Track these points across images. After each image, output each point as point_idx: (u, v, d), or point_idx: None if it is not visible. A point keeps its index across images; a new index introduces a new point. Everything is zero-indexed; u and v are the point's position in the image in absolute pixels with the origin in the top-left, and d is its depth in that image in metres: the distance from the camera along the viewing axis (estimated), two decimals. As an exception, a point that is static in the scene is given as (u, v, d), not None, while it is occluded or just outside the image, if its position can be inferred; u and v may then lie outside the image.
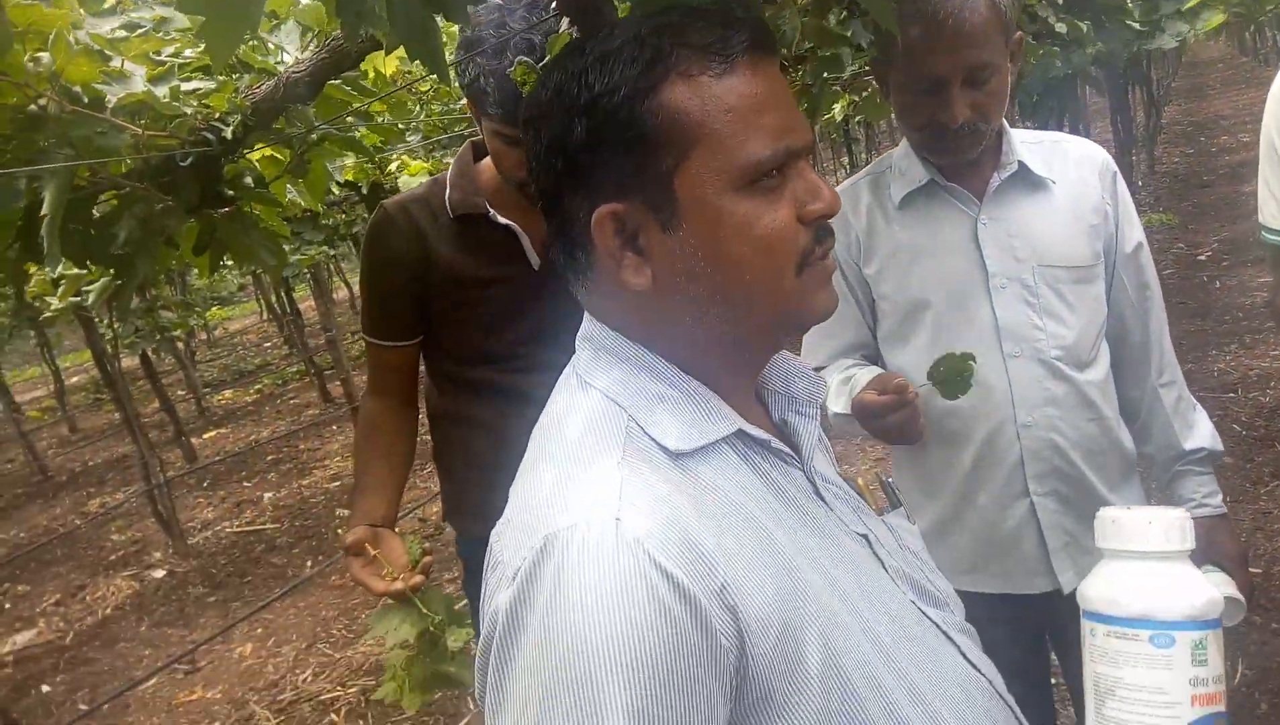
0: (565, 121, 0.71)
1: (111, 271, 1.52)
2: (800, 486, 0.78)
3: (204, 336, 16.72)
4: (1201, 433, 1.54)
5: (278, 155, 1.70)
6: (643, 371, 0.75)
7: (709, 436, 0.73)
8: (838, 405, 1.48)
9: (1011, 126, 1.53)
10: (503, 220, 1.57)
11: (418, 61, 1.02)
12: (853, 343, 1.58)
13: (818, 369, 1.62)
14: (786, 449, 0.79)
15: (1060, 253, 1.45)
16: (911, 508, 1.60)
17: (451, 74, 1.45)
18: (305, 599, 4.61)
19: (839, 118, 6.00)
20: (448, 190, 1.59)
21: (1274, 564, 3.06)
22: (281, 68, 1.31)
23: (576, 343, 0.79)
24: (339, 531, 5.53)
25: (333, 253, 6.76)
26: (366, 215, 6.27)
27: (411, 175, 2.97)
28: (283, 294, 10.09)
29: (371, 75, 1.82)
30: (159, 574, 5.44)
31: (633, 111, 0.69)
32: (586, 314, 0.80)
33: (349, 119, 1.55)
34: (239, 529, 5.98)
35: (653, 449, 0.70)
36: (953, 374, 1.32)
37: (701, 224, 0.71)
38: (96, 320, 5.43)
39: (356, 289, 15.54)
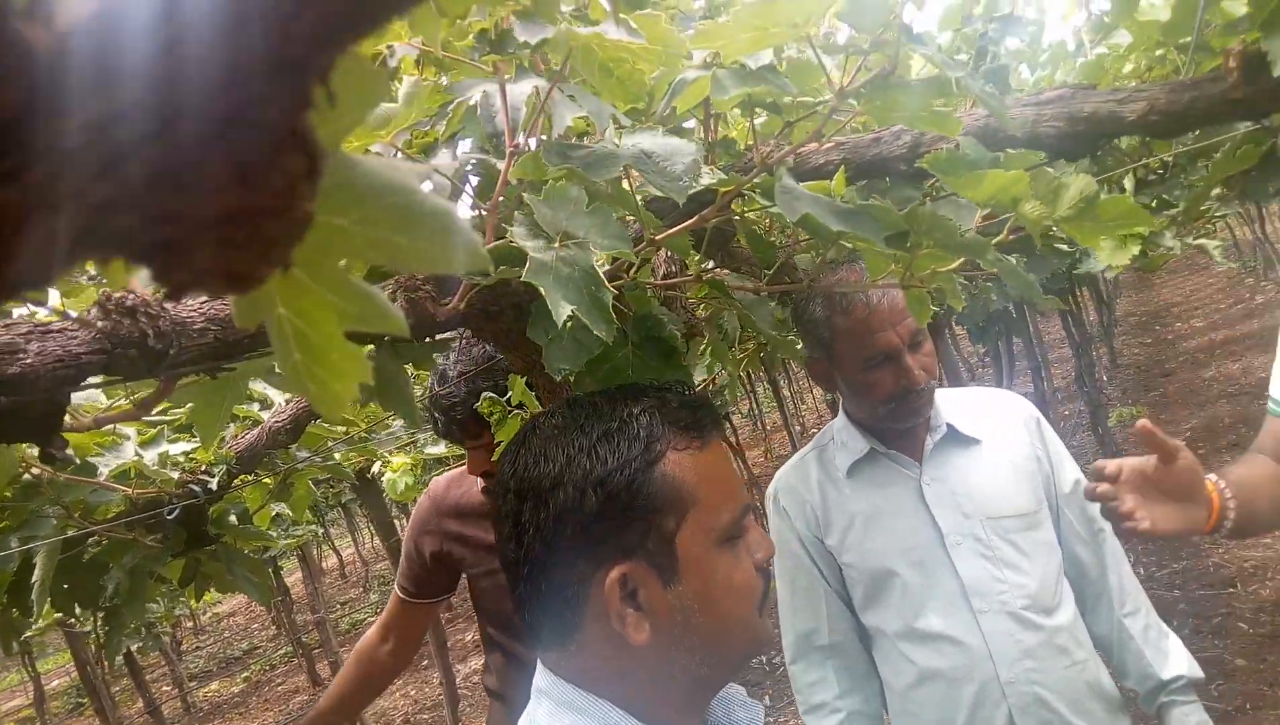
0: (578, 493, 0.78)
1: (100, 616, 1.54)
2: None
3: (190, 623, 16.26)
4: (1176, 660, 1.55)
5: (263, 480, 1.78)
6: None
7: None
8: None
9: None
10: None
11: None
12: (827, 615, 1.61)
13: (793, 662, 1.65)
14: None
15: (1005, 503, 1.52)
16: None
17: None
18: None
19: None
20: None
21: (1311, 776, 2.93)
22: (266, 415, 1.41)
23: (533, 693, 0.83)
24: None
25: (320, 530, 6.75)
26: (351, 486, 6.33)
27: (394, 471, 3.07)
28: (269, 573, 9.92)
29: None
30: None
31: (644, 482, 0.78)
32: (541, 667, 0.83)
33: (329, 443, 1.64)
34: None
35: None
36: None
37: (698, 578, 0.80)
38: (79, 625, 5.31)
39: (346, 555, 15.35)
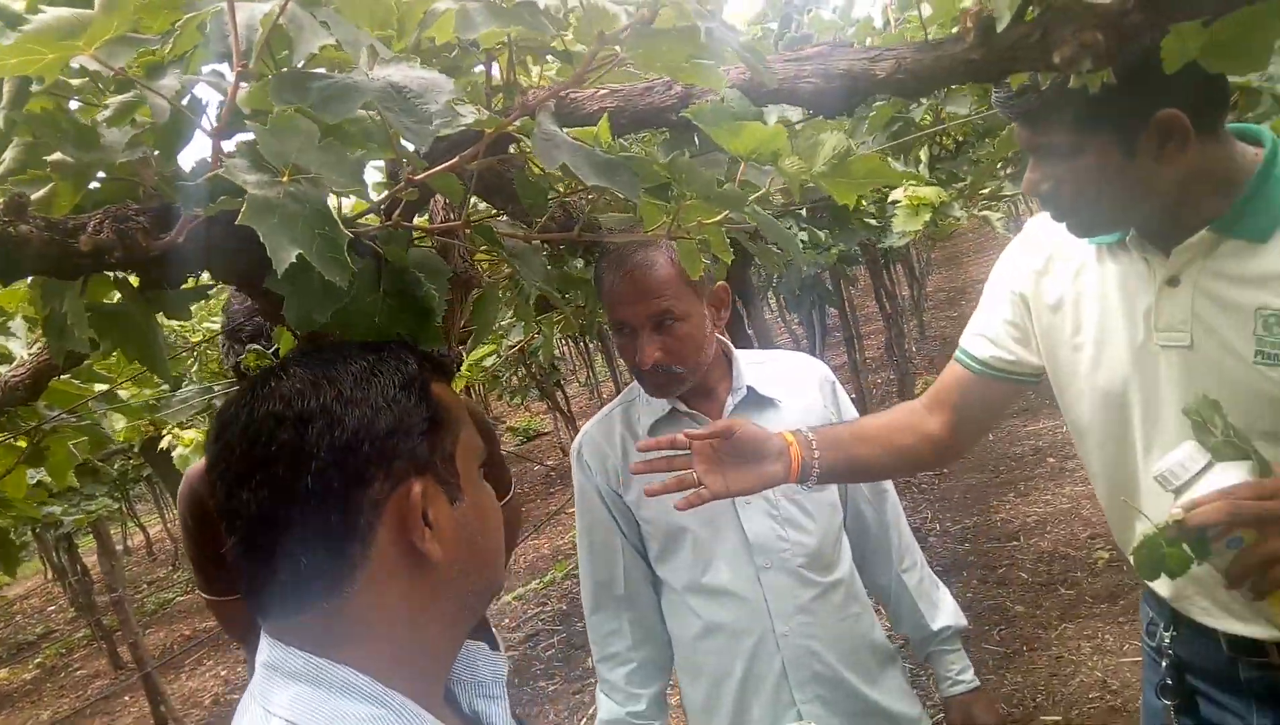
0: (372, 409, 0.76)
1: None
2: None
3: (-24, 607, 14.90)
4: (945, 611, 1.67)
5: (14, 444, 1.62)
6: (347, 695, 0.72)
7: None
8: None
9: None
10: None
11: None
12: (623, 567, 1.63)
13: (591, 612, 1.67)
14: None
15: None
16: None
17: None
18: None
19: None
20: None
21: (1071, 709, 3.23)
22: (4, 370, 1.28)
23: (260, 671, 0.76)
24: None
25: (115, 506, 6.29)
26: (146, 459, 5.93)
27: (186, 446, 2.87)
28: (60, 554, 9.22)
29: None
30: None
31: (427, 395, 0.80)
32: (269, 640, 0.77)
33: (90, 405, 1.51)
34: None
35: None
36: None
37: (473, 497, 0.82)
38: None
39: (154, 533, 14.44)
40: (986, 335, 1.45)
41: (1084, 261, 1.35)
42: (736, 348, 1.67)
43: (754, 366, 1.65)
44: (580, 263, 1.77)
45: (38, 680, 9.21)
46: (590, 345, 9.62)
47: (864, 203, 4.28)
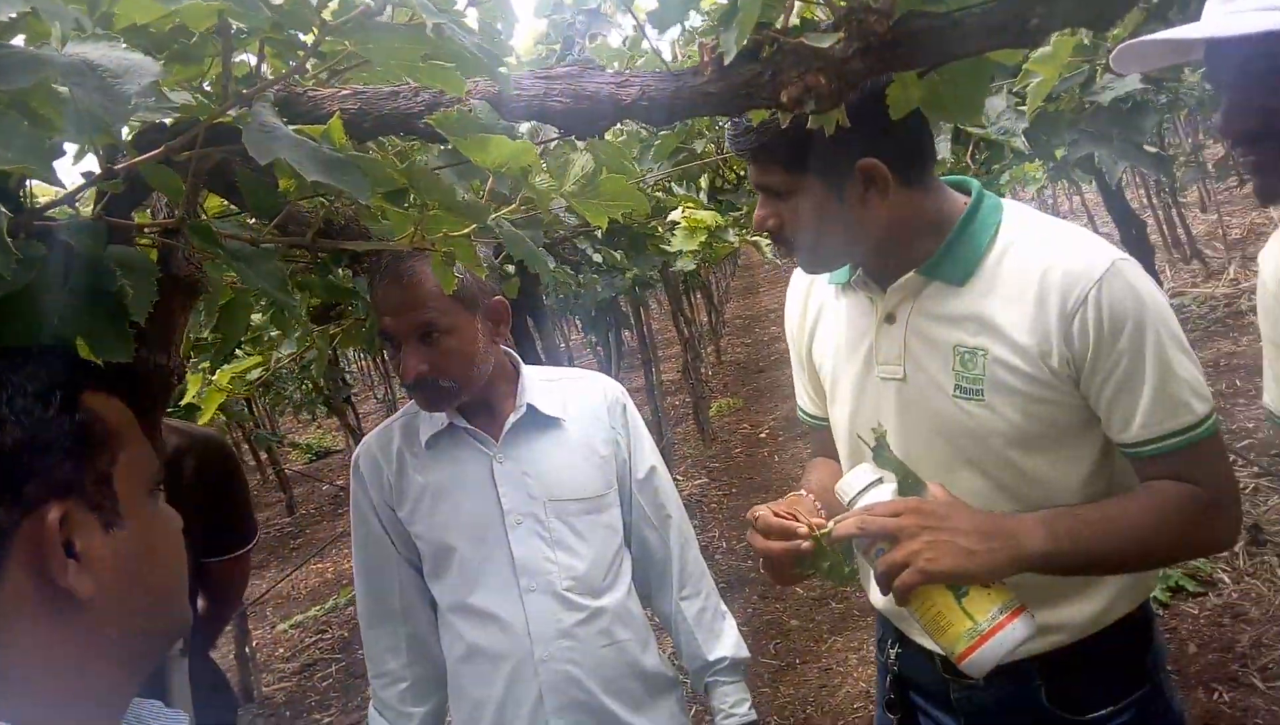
0: None
1: None
2: None
3: None
4: (726, 642, 1.67)
5: None
6: None
7: None
8: None
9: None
10: None
11: None
12: (398, 584, 1.57)
13: (367, 628, 1.59)
14: None
15: (571, 486, 1.56)
16: None
17: None
18: None
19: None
20: None
21: (838, 718, 3.39)
22: None
23: None
24: None
25: None
26: None
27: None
28: None
29: None
30: None
31: (74, 408, 0.70)
32: None
33: None
34: None
35: None
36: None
37: (139, 525, 0.72)
38: None
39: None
40: (804, 394, 1.53)
41: (824, 301, 1.43)
42: (528, 365, 1.64)
43: (543, 384, 1.62)
44: (348, 273, 1.69)
45: None
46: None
47: (660, 229, 4.40)
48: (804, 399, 1.55)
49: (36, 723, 0.64)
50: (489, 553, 1.52)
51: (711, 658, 1.65)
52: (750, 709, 1.66)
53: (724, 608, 1.73)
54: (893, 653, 1.46)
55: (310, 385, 6.47)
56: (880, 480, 1.19)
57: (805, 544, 1.16)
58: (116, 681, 0.71)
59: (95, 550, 0.68)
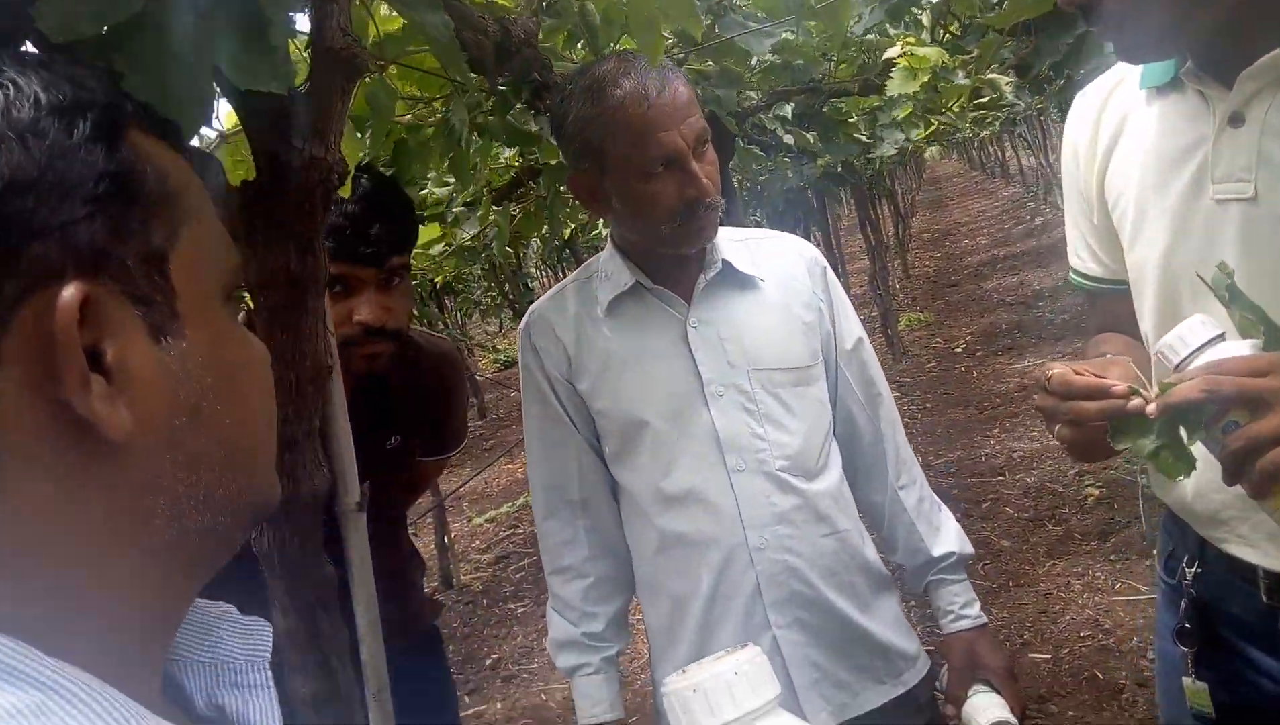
0: None
1: None
2: None
3: None
4: (948, 536, 1.43)
5: None
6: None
7: None
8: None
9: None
10: None
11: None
12: (578, 469, 1.39)
13: (544, 518, 1.43)
14: None
15: (775, 354, 1.34)
16: (658, 656, 1.41)
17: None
18: None
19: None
20: None
21: (1061, 648, 3.05)
22: None
23: None
24: None
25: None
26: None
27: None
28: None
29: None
30: None
31: (110, 141, 0.44)
32: None
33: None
34: None
35: None
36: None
37: (206, 335, 0.47)
38: None
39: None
40: (1085, 247, 1.21)
41: (1127, 113, 1.10)
42: None
43: (734, 243, 1.39)
44: (527, 112, 1.48)
45: None
46: (565, 269, 9.30)
47: (853, 116, 4.03)
48: (1084, 255, 1.21)
49: (42, 638, 0.40)
50: (687, 428, 1.31)
51: (936, 553, 1.41)
52: (980, 610, 1.41)
53: (938, 500, 1.49)
54: (1190, 572, 1.15)
55: (496, 288, 6.50)
56: (1223, 335, 0.88)
57: (1133, 402, 0.87)
58: (167, 575, 0.46)
59: (135, 365, 0.43)
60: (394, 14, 1.04)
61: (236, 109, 0.73)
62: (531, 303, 1.63)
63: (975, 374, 6.48)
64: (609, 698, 1.40)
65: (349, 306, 1.33)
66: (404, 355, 1.50)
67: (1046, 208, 12.44)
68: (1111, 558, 3.51)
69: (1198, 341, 0.87)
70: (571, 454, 1.40)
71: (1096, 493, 4.02)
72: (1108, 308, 1.21)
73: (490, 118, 1.42)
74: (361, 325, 1.33)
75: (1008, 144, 17.83)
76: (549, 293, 1.46)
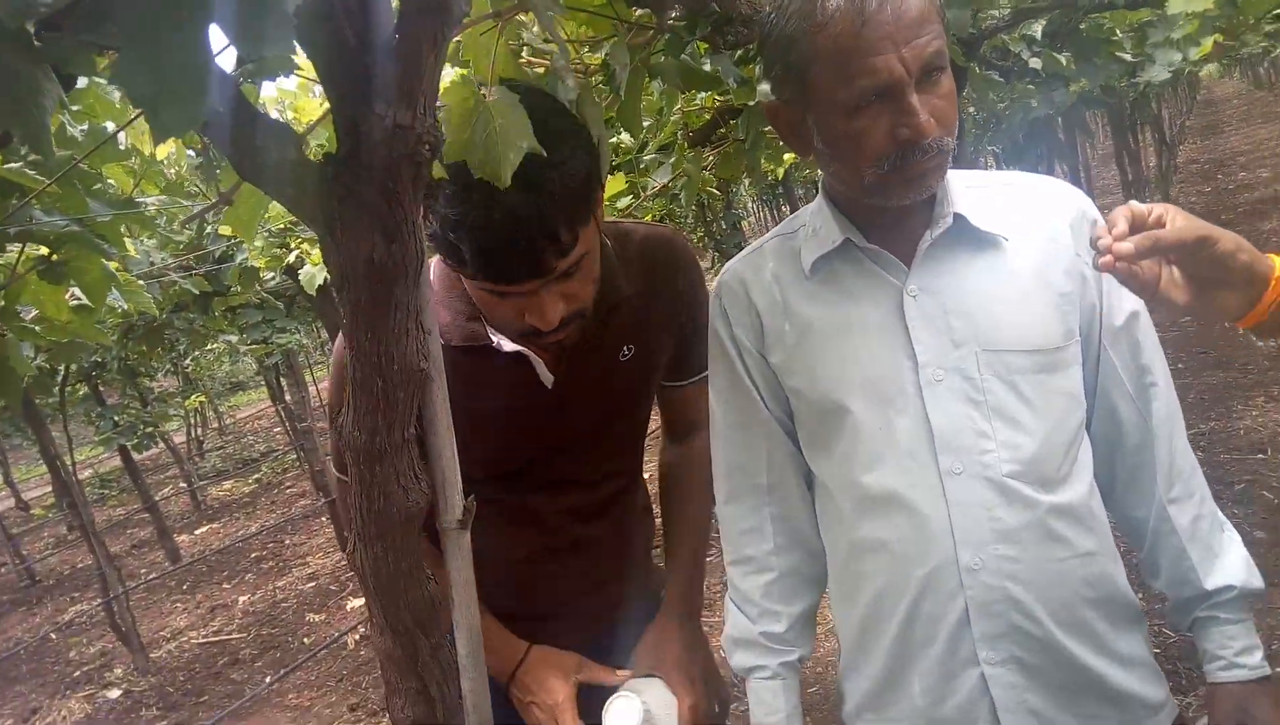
0: None
1: None
2: None
3: (216, 424, 16.55)
4: (1231, 565, 1.15)
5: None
6: None
7: None
8: None
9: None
10: (509, 347, 1.25)
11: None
12: (767, 450, 1.23)
13: (725, 502, 1.30)
14: None
15: (1015, 333, 1.09)
16: (848, 665, 1.24)
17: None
18: (260, 717, 4.25)
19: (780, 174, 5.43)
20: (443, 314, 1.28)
21: (1326, 666, 2.61)
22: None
23: None
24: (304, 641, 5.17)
25: (304, 340, 6.47)
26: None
27: (315, 264, 2.66)
28: (279, 379, 9.82)
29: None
30: (114, 694, 5.08)
31: None
32: None
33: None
34: (205, 640, 5.62)
35: None
36: None
37: None
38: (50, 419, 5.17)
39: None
40: None
41: None
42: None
43: (972, 191, 1.14)
44: (705, 57, 1.29)
45: (254, 494, 10.08)
46: (780, 210, 8.92)
47: (1117, 33, 3.50)
48: None
49: None
50: (894, 418, 1.11)
51: (1210, 585, 1.14)
52: (1263, 659, 1.14)
53: (1223, 517, 1.19)
54: None
55: (702, 227, 6.31)
56: None
57: None
58: None
59: None
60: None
61: (316, 69, 0.61)
62: (740, 245, 1.42)
63: (1241, 332, 5.67)
64: (786, 708, 1.25)
65: (516, 306, 1.13)
66: (619, 254, 1.31)
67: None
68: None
69: None
70: (759, 433, 1.23)
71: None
72: None
73: (664, 58, 1.24)
74: (534, 327, 1.15)
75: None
76: (746, 250, 1.27)
